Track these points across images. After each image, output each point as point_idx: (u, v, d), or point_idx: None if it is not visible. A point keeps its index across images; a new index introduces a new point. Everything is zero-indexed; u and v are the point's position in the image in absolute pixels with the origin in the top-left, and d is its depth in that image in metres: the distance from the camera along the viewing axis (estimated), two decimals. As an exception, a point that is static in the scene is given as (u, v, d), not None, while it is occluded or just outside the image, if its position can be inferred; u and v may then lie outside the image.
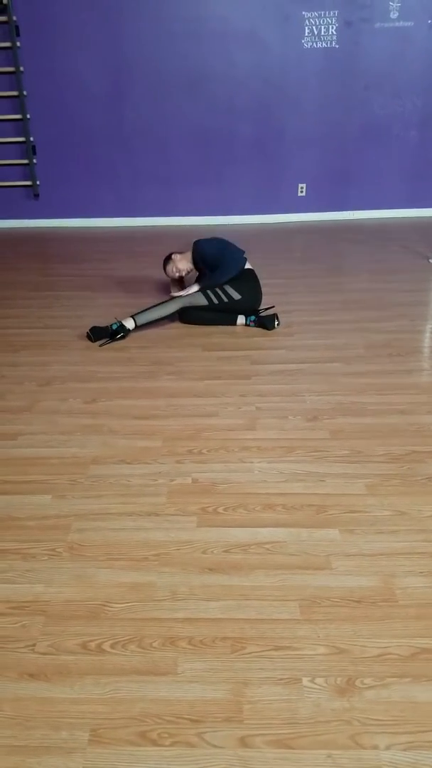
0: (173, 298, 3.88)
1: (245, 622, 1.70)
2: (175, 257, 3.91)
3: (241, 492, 2.26)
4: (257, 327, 3.82)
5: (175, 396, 2.99)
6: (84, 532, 2.07)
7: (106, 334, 3.67)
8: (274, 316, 3.77)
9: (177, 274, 3.94)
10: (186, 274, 3.99)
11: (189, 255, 3.93)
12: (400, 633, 1.65)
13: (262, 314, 3.85)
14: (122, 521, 2.12)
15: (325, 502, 2.19)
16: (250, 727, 1.42)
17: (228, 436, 2.63)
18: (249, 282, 3.84)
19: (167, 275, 4.00)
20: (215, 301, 3.80)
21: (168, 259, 3.94)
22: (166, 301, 3.84)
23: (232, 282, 3.80)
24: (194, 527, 2.08)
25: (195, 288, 3.81)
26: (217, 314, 3.87)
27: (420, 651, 1.60)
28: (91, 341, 3.65)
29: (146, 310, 3.77)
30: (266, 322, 3.76)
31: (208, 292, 3.80)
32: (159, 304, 3.79)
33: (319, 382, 3.10)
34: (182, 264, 3.90)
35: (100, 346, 3.61)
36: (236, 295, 3.79)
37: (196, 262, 3.92)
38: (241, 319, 3.87)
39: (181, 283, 4.09)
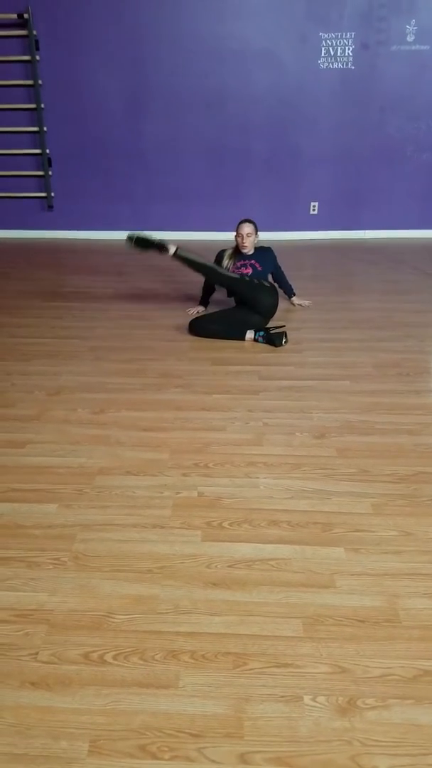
0: (220, 266, 4.11)
1: (248, 638, 1.69)
2: (250, 235, 4.11)
3: (247, 507, 2.26)
4: (265, 343, 3.83)
5: (183, 409, 3.00)
6: (89, 543, 2.07)
7: (147, 244, 3.92)
8: (283, 334, 3.79)
9: (245, 244, 4.11)
10: (244, 250, 4.16)
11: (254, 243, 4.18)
12: (403, 654, 1.64)
13: (272, 331, 3.86)
14: (127, 533, 2.12)
15: (330, 520, 2.19)
16: (250, 744, 1.41)
17: (235, 450, 2.64)
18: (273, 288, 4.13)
19: (237, 233, 4.13)
20: (246, 278, 4.00)
21: (246, 226, 4.13)
22: (214, 264, 4.07)
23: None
24: (199, 541, 2.08)
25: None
26: (227, 328, 3.91)
27: (423, 673, 1.59)
28: (130, 244, 3.92)
29: (192, 252, 4.02)
30: (274, 339, 3.78)
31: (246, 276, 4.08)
32: (206, 260, 4.05)
33: (327, 399, 3.10)
34: (249, 242, 4.12)
35: (140, 251, 3.98)
36: (267, 283, 4.06)
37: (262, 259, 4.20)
38: (249, 335, 3.89)
39: (236, 253, 4.24)
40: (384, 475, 2.45)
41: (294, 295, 4.53)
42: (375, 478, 2.43)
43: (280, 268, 4.39)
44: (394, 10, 5.92)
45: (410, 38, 6.02)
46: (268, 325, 4.01)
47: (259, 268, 4.14)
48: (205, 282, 4.36)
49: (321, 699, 1.52)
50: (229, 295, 4.27)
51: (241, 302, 4.08)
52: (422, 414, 2.95)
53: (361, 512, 2.23)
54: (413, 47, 6.06)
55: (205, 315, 4.08)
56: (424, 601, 1.82)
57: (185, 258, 4.02)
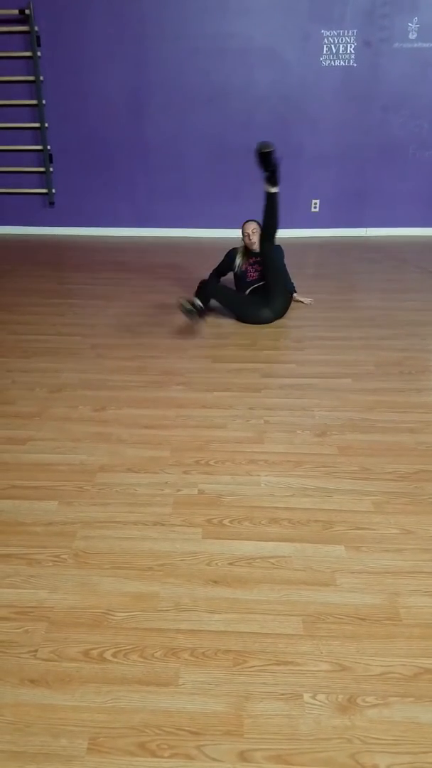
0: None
1: (248, 636, 1.69)
2: (255, 231, 4.24)
3: (248, 505, 2.25)
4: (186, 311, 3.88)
5: (184, 407, 3.00)
6: (89, 540, 2.07)
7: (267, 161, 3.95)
8: (196, 311, 3.87)
9: (252, 241, 4.24)
10: (252, 247, 4.27)
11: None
12: (404, 652, 1.64)
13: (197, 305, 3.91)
14: (128, 530, 2.12)
15: (331, 518, 2.18)
16: (250, 742, 1.41)
17: (236, 448, 2.63)
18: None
19: (243, 233, 4.29)
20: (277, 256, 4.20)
21: (250, 224, 4.28)
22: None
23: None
24: (199, 539, 2.08)
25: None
26: (234, 305, 4.13)
27: (423, 671, 1.59)
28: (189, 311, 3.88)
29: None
30: (190, 309, 3.86)
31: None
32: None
33: (328, 397, 3.10)
34: (255, 238, 4.24)
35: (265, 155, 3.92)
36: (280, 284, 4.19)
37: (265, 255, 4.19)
38: (198, 302, 3.98)
39: (247, 252, 4.36)
40: (385, 473, 2.45)
41: (295, 291, 4.53)
42: (376, 476, 2.43)
43: (285, 266, 4.39)
44: (397, 7, 5.91)
45: (412, 36, 6.01)
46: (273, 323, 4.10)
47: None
48: (212, 277, 4.43)
49: (321, 697, 1.52)
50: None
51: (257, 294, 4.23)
52: (424, 412, 2.94)
53: (362, 510, 2.23)
54: (415, 45, 6.05)
55: (226, 285, 4.26)
56: (425, 599, 1.82)
57: (275, 204, 4.07)
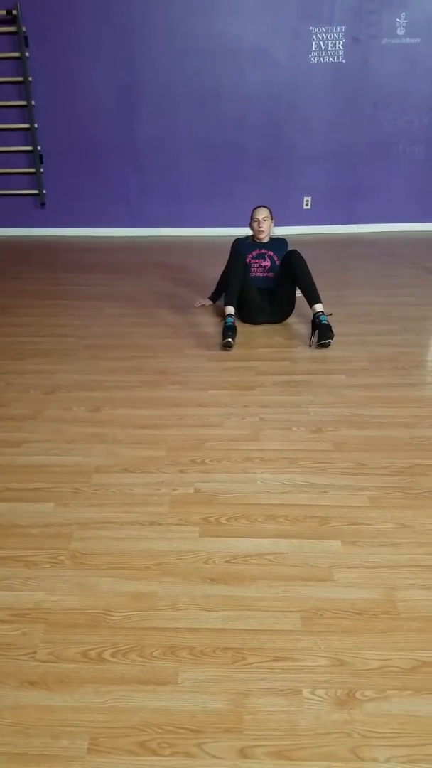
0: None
1: (246, 633, 1.69)
2: (266, 219, 4.06)
3: (244, 502, 2.26)
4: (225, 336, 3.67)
5: (180, 406, 3.00)
6: (86, 541, 2.07)
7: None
8: (228, 339, 3.65)
9: (261, 229, 4.06)
10: (261, 235, 4.10)
11: (270, 228, 4.13)
12: (402, 646, 1.65)
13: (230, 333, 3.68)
14: (124, 530, 2.12)
15: (327, 513, 2.19)
16: (250, 738, 1.42)
17: (231, 446, 2.64)
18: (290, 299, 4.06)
19: (253, 219, 4.10)
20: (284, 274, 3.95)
21: (261, 210, 4.11)
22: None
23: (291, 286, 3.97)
24: (196, 537, 2.08)
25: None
26: (242, 304, 3.98)
27: (421, 664, 1.59)
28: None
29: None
30: (227, 330, 3.67)
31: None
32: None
33: (323, 394, 3.10)
34: (266, 227, 4.08)
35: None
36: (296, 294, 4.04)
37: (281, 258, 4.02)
38: (230, 310, 3.80)
39: (253, 243, 4.17)
40: (380, 468, 2.45)
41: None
42: (371, 471, 2.43)
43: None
44: (384, 3, 5.92)
45: (400, 31, 6.02)
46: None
47: (276, 261, 4.09)
48: (226, 279, 4.13)
49: (320, 692, 1.52)
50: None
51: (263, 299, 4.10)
52: (418, 407, 2.95)
53: (358, 505, 2.23)
54: (403, 40, 6.06)
55: (252, 284, 4.00)
56: (421, 592, 1.83)
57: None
